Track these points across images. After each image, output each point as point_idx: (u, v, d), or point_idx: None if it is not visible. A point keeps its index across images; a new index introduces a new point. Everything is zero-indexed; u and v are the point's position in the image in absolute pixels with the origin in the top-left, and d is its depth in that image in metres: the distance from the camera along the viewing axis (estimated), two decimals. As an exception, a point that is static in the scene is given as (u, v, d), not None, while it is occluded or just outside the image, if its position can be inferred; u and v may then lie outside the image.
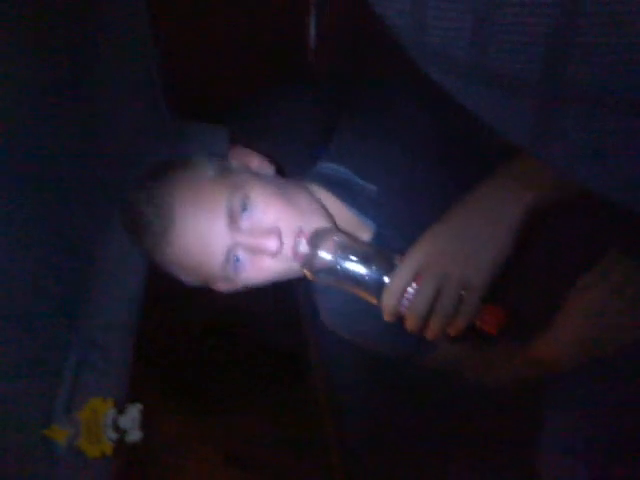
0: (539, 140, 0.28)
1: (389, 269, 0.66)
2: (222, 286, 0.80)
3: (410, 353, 0.88)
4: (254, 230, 0.73)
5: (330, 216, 0.79)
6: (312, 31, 1.91)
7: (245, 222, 0.73)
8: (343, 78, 1.64)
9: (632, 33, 0.23)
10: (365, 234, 0.84)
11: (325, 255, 0.68)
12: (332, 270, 0.68)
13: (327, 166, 0.84)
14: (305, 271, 0.71)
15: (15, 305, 0.82)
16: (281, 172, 0.87)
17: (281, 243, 0.72)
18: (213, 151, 1.49)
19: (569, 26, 0.25)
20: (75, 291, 1.01)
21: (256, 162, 0.84)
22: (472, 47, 0.28)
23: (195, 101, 1.59)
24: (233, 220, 0.72)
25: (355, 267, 0.67)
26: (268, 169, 0.84)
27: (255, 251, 0.73)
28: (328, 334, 0.96)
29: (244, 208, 0.73)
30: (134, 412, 0.94)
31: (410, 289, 0.63)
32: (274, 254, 0.72)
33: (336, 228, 0.77)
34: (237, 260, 0.74)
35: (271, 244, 0.71)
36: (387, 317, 0.65)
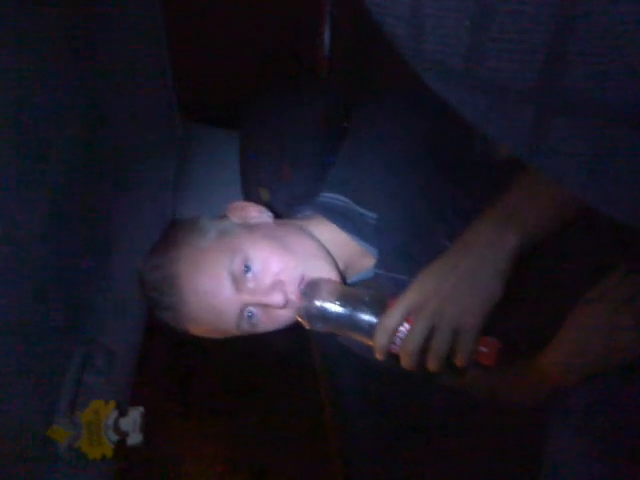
0: (535, 149, 0.28)
1: (382, 311, 0.67)
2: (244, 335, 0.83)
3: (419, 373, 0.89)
4: (258, 288, 0.76)
5: (330, 256, 0.81)
6: (326, 38, 1.92)
7: (250, 282, 0.76)
8: (354, 85, 1.64)
9: (628, 43, 0.23)
10: (367, 261, 0.85)
11: (319, 304, 0.70)
12: (326, 318, 0.70)
13: (327, 195, 0.87)
14: (301, 320, 0.73)
15: (20, 306, 0.83)
16: (279, 216, 0.90)
17: (286, 295, 0.75)
18: (221, 156, 1.50)
19: (565, 35, 0.25)
20: (80, 293, 1.02)
21: (253, 213, 0.87)
22: (469, 55, 0.28)
23: (206, 105, 1.60)
24: (238, 283, 0.75)
25: (348, 313, 0.69)
26: (266, 217, 0.86)
27: (265, 307, 0.76)
28: (333, 341, 0.95)
29: (247, 269, 0.76)
30: (136, 415, 0.94)
31: (402, 329, 0.65)
32: (281, 307, 0.75)
33: (336, 270, 0.79)
34: (251, 316, 0.77)
35: (276, 299, 0.74)
36: (378, 355, 0.67)
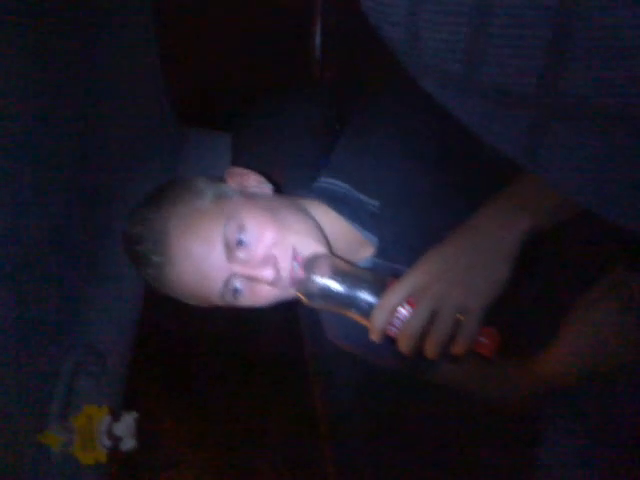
0: (532, 154, 0.28)
1: (381, 291, 0.65)
2: (222, 306, 0.80)
3: (413, 369, 0.88)
4: (250, 260, 0.73)
5: (325, 236, 0.79)
6: (317, 41, 1.92)
7: (242, 252, 0.74)
8: (346, 88, 1.64)
9: (627, 48, 0.23)
10: (368, 249, 0.84)
11: (319, 280, 0.68)
12: (326, 295, 0.68)
13: (327, 181, 0.84)
14: (300, 296, 0.71)
15: (12, 310, 0.82)
16: (279, 190, 0.87)
17: (277, 271, 0.72)
18: (215, 159, 1.50)
19: (565, 40, 0.24)
20: (73, 296, 1.01)
21: (253, 181, 0.84)
22: (466, 60, 0.28)
23: (199, 108, 1.60)
24: (229, 251, 0.73)
25: (348, 291, 0.67)
26: (265, 188, 0.84)
27: (253, 280, 0.73)
28: (327, 343, 0.95)
29: (240, 239, 0.73)
30: (129, 420, 0.93)
31: (403, 310, 0.63)
32: (271, 283, 0.73)
33: (330, 252, 0.77)
34: (236, 290, 0.75)
35: (267, 274, 0.72)
36: (373, 335, 0.65)
